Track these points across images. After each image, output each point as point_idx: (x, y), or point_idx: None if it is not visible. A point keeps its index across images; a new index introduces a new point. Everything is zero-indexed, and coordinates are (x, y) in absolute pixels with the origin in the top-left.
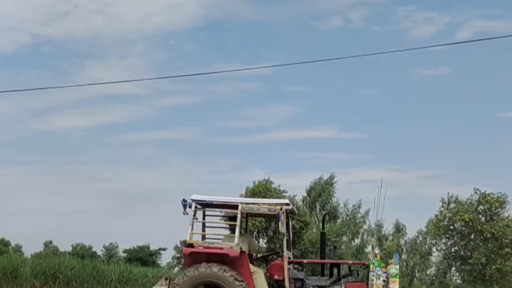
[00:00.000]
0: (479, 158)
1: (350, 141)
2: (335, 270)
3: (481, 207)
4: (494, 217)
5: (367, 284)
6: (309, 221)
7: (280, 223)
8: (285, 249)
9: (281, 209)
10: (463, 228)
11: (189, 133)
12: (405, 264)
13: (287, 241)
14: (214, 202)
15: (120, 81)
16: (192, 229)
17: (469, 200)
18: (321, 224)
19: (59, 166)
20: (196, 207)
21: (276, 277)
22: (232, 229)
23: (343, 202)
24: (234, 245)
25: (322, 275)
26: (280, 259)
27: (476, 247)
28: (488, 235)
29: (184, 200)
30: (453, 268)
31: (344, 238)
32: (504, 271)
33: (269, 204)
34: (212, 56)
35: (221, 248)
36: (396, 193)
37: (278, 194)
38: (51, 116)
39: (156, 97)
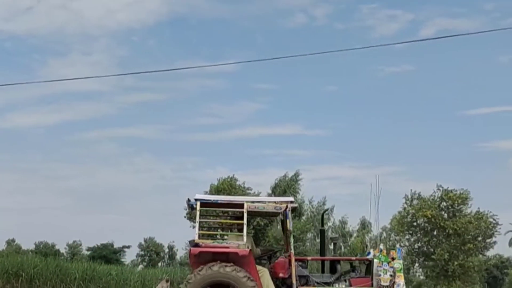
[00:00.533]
0: (442, 155)
1: (315, 138)
2: (339, 267)
3: (444, 203)
4: (457, 214)
5: (372, 279)
6: (273, 218)
7: (288, 220)
8: (292, 246)
9: (287, 207)
10: (426, 225)
11: (153, 131)
12: None
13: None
14: (219, 201)
15: (83, 77)
16: (199, 229)
17: (432, 197)
18: (319, 222)
19: (20, 164)
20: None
21: (281, 275)
22: (239, 228)
23: (308, 199)
24: (242, 244)
25: (323, 271)
26: (283, 257)
27: (439, 243)
28: (451, 231)
29: (188, 199)
30: (416, 264)
31: (309, 235)
32: (466, 267)
33: (275, 202)
34: (176, 53)
35: (227, 247)
36: (361, 190)
37: (243, 191)
38: (12, 113)
39: (119, 94)
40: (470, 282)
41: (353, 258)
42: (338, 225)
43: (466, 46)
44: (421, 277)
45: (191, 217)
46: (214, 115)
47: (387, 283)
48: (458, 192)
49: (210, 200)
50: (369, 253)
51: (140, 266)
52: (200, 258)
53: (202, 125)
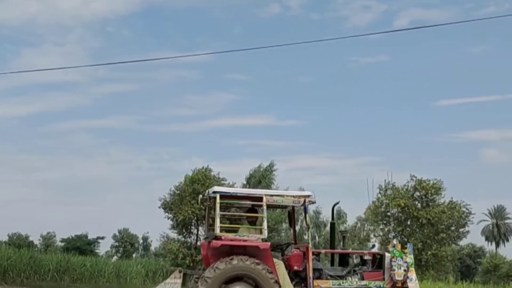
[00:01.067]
0: (416, 145)
1: (289, 129)
2: (350, 260)
3: (417, 193)
4: (430, 203)
5: (383, 273)
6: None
7: (307, 215)
8: (310, 240)
9: (304, 201)
10: (400, 214)
11: (128, 121)
12: None
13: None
14: (238, 194)
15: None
16: (220, 222)
17: (406, 187)
18: (330, 215)
19: None
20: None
21: (295, 267)
22: (250, 221)
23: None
24: (263, 237)
25: (332, 264)
26: (297, 250)
27: (412, 233)
28: (424, 221)
29: (205, 193)
30: None
31: (284, 225)
32: (439, 257)
33: (293, 196)
34: (150, 43)
35: (248, 241)
36: (336, 180)
37: (218, 182)
38: None
39: (93, 84)
40: (443, 272)
41: (365, 252)
42: (312, 215)
43: (440, 37)
44: None
45: (165, 207)
46: (188, 106)
47: (401, 278)
48: (431, 182)
49: (230, 192)
50: (373, 246)
51: (115, 257)
52: (217, 252)
53: (177, 116)
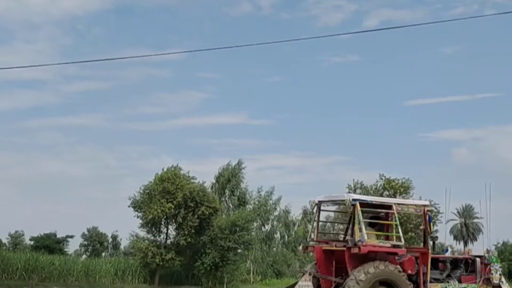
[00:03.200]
0: (386, 144)
1: (260, 128)
2: (448, 264)
3: (386, 192)
4: None
5: (476, 277)
6: (218, 207)
7: (431, 223)
8: (431, 246)
9: (424, 209)
10: None
11: (97, 119)
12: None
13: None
14: (373, 202)
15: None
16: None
17: (375, 186)
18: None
19: None
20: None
21: (409, 271)
22: (377, 229)
23: (257, 188)
24: (399, 243)
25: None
26: (410, 255)
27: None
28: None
29: (347, 199)
30: None
31: (255, 224)
32: None
33: (415, 205)
34: (120, 41)
35: (389, 247)
36: (305, 179)
37: (187, 180)
38: None
39: (62, 82)
40: None
41: (460, 256)
42: (282, 214)
43: (410, 37)
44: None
45: (134, 206)
46: (159, 104)
47: (497, 281)
48: (400, 181)
49: (367, 200)
50: (446, 250)
51: (84, 256)
52: (357, 256)
53: (147, 114)
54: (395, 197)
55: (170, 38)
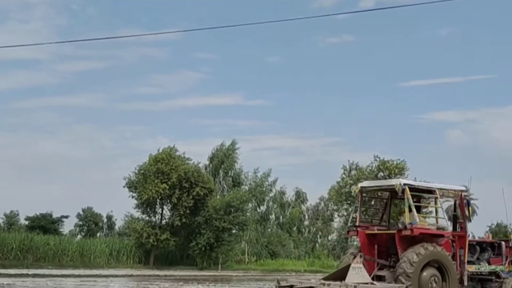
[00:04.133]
0: (381, 126)
1: (256, 108)
2: (477, 247)
3: (381, 173)
4: None
5: (502, 259)
6: (213, 188)
7: (470, 207)
8: (467, 229)
9: (461, 194)
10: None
11: (93, 100)
12: (307, 230)
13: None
14: (420, 187)
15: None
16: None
17: (369, 167)
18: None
19: None
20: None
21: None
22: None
23: (253, 169)
24: (446, 226)
25: None
26: (447, 238)
27: (376, 213)
28: (388, 201)
29: (398, 184)
30: None
31: (250, 205)
32: None
33: (454, 190)
34: (116, 21)
35: (433, 230)
36: (301, 161)
37: (182, 161)
38: None
39: (58, 62)
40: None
41: (488, 240)
42: (277, 195)
43: (405, 18)
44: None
45: (130, 186)
46: (154, 84)
47: None
48: (394, 163)
49: (415, 185)
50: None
51: (79, 236)
52: (406, 239)
53: (142, 95)
54: (390, 177)
55: (165, 19)
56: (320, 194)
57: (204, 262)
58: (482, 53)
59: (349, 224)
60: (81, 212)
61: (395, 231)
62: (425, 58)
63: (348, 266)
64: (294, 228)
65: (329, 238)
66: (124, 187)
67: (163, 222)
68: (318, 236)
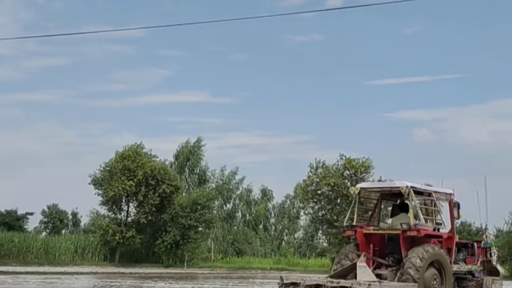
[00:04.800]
0: (348, 124)
1: (222, 106)
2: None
3: (347, 172)
4: (359, 182)
5: (475, 259)
6: (179, 186)
7: (459, 210)
8: (454, 231)
9: (451, 197)
10: (330, 193)
11: (58, 96)
12: (273, 228)
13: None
14: (421, 190)
15: None
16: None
17: (336, 165)
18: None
19: None
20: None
21: None
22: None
23: (220, 167)
24: (444, 227)
25: None
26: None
27: (342, 211)
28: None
29: (404, 186)
30: (320, 231)
31: (216, 203)
32: None
33: (445, 193)
34: (82, 17)
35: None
36: (267, 158)
37: (149, 158)
38: None
39: (22, 57)
40: None
41: (463, 241)
42: (243, 193)
43: (373, 17)
44: (325, 244)
45: (95, 184)
46: (120, 81)
47: (495, 263)
48: (360, 161)
49: (417, 188)
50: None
51: (44, 233)
52: (409, 239)
53: (108, 91)
54: (356, 176)
55: (132, 15)
56: (286, 192)
57: (170, 259)
58: (450, 53)
59: (345, 224)
60: (46, 209)
61: (398, 231)
62: (393, 57)
63: (354, 265)
64: (260, 226)
65: (295, 236)
66: (89, 184)
67: (129, 219)
68: (284, 234)
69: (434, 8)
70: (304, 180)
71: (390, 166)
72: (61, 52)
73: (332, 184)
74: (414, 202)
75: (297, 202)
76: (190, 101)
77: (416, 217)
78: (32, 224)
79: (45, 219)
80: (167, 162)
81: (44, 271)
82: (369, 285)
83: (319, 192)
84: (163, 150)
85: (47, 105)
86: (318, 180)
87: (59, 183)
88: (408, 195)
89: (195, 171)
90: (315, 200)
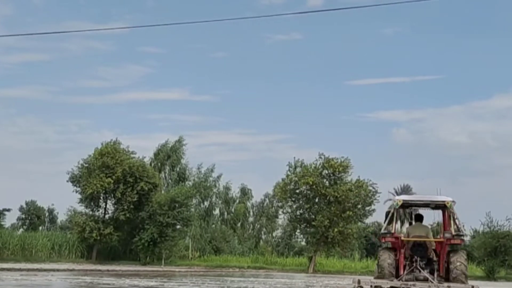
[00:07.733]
0: (327, 123)
1: (202, 104)
2: None
3: (326, 171)
4: (338, 181)
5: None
6: (158, 183)
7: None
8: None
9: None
10: (308, 192)
11: (37, 92)
12: (251, 226)
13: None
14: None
15: None
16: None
17: (314, 165)
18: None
19: None
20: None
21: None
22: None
23: (197, 165)
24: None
25: None
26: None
27: (320, 210)
28: (332, 198)
29: (448, 202)
30: (298, 230)
31: (194, 201)
32: (345, 234)
33: (452, 201)
34: (62, 13)
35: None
36: (246, 157)
37: (127, 155)
38: None
39: (2, 53)
40: (349, 248)
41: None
42: (222, 191)
43: (353, 18)
44: (302, 243)
45: (73, 181)
46: (100, 77)
47: None
48: (339, 161)
49: (408, 200)
50: None
51: (21, 230)
52: (444, 245)
53: (88, 88)
54: (334, 176)
55: (113, 11)
56: (265, 190)
57: (147, 257)
58: (429, 54)
59: (382, 231)
60: (24, 205)
61: (442, 239)
62: (372, 58)
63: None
64: (239, 224)
65: (274, 235)
66: (67, 181)
67: (107, 216)
68: (263, 232)
69: (413, 10)
70: (282, 179)
71: (369, 165)
72: (41, 48)
73: (311, 183)
74: (456, 214)
75: (276, 201)
76: (170, 98)
77: (458, 228)
78: (9, 220)
79: (23, 216)
80: (146, 160)
81: (20, 268)
82: (440, 286)
83: (297, 191)
84: (143, 147)
85: (26, 101)
86: (296, 179)
87: (38, 180)
88: (451, 208)
89: (175, 169)
90: (293, 199)
